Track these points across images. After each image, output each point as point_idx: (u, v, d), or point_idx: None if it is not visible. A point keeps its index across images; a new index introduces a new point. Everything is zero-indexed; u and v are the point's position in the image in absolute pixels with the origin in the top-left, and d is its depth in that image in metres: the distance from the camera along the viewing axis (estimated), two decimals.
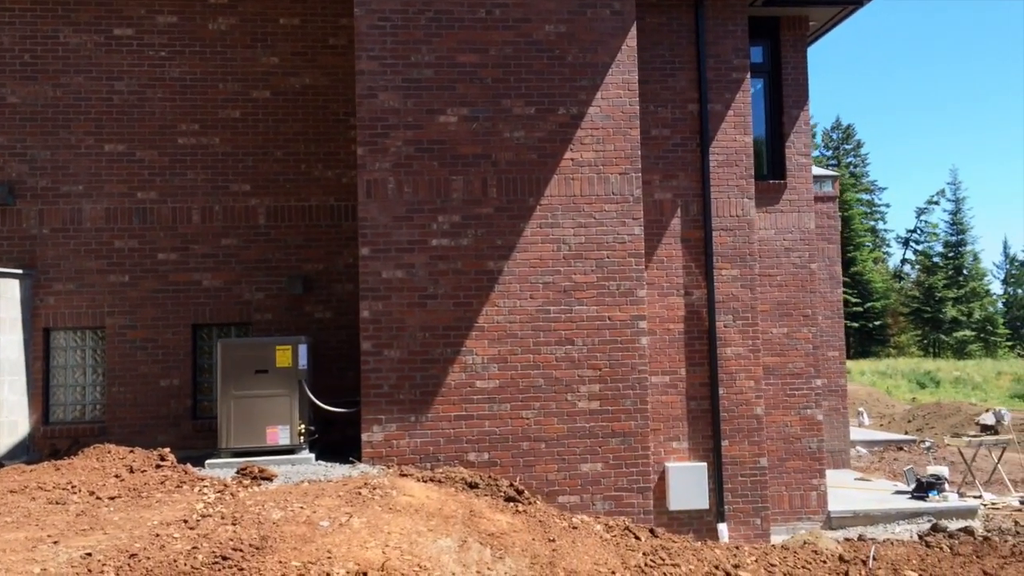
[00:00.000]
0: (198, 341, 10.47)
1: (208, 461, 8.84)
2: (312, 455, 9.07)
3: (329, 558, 5.77)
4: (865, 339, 61.04)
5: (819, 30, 12.90)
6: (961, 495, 13.73)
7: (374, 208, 9.22)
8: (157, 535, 5.99)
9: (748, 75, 11.09)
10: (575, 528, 7.90)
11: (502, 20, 9.47)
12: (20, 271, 10.05)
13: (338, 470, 8.71)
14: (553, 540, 7.32)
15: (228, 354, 8.99)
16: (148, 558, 5.49)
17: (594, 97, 9.58)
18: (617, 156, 9.57)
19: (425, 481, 8.52)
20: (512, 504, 8.28)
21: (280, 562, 5.54)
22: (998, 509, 13.16)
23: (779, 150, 12.35)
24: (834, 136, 79.27)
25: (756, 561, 7.96)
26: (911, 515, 12.18)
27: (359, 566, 5.75)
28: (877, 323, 61.25)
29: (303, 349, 9.10)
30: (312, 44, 10.73)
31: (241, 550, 5.67)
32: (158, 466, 8.25)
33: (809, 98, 12.40)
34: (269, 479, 8.14)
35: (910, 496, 12.89)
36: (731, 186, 10.99)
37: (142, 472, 8.04)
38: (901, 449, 19.69)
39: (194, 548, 5.70)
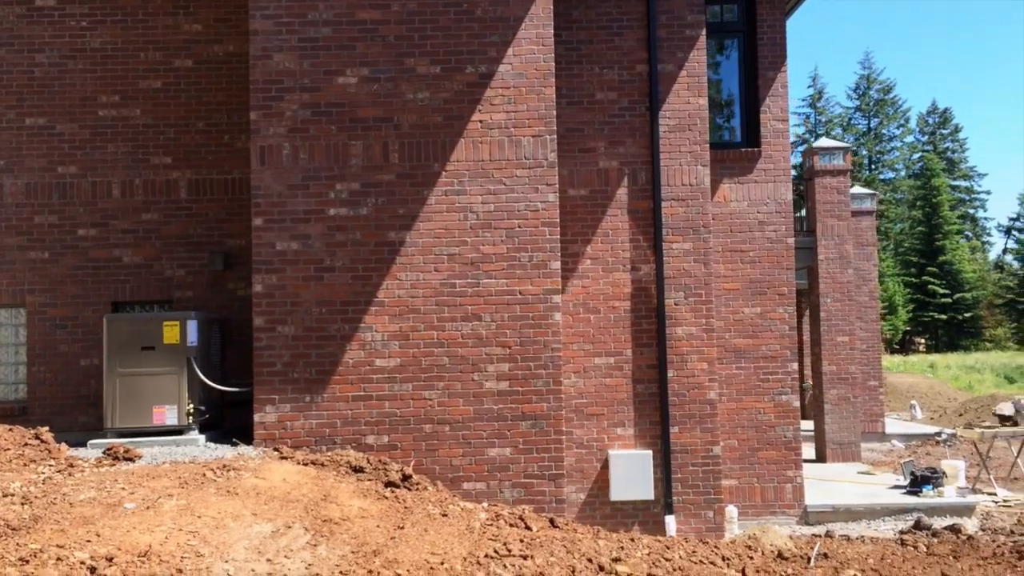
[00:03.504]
0: None
1: (91, 441, 8.48)
2: (201, 437, 8.60)
3: (89, 541, 5.28)
4: (955, 332, 57.92)
5: None
6: (975, 491, 12.49)
7: (268, 176, 8.71)
8: None
9: (703, 31, 10.14)
10: (444, 515, 7.24)
11: None
12: None
13: (218, 452, 8.24)
14: (401, 528, 6.69)
15: (113, 330, 8.60)
16: None
17: (505, 54, 8.83)
18: (530, 117, 8.81)
19: (306, 464, 7.98)
20: (389, 489, 7.68)
21: (17, 544, 5.06)
22: (1010, 507, 11.88)
23: (753, 115, 11.39)
24: (930, 120, 75.55)
25: (649, 555, 7.13)
26: (898, 511, 11.12)
27: (120, 550, 5.24)
28: (968, 315, 57.97)
29: (192, 325, 8.65)
30: (235, 9, 10.25)
31: None
32: (26, 444, 7.93)
33: (787, 60, 11.37)
34: (132, 459, 7.73)
35: (905, 491, 11.77)
36: (684, 152, 10.08)
37: (5, 451, 7.72)
38: (939, 443, 18.23)
39: None
